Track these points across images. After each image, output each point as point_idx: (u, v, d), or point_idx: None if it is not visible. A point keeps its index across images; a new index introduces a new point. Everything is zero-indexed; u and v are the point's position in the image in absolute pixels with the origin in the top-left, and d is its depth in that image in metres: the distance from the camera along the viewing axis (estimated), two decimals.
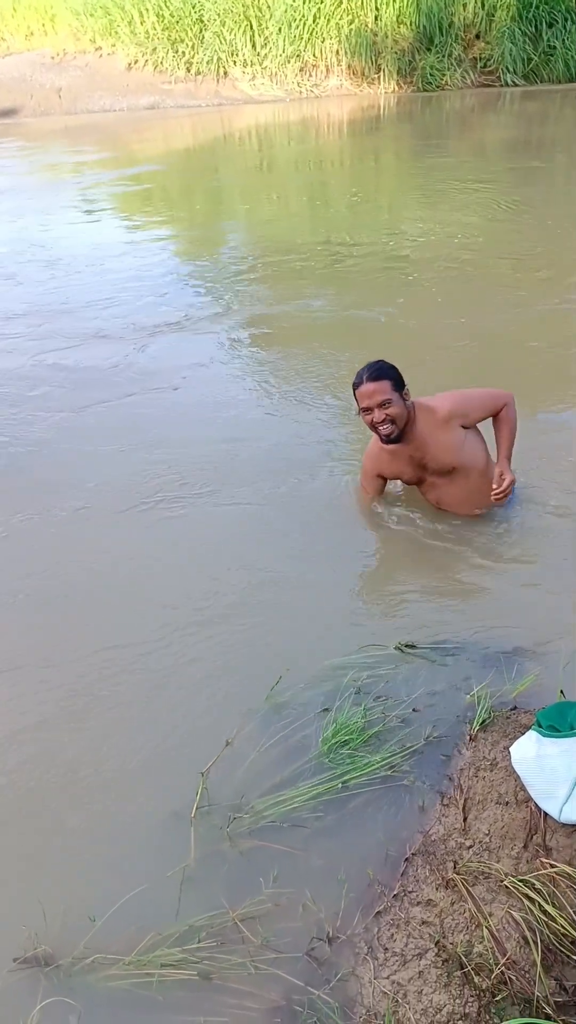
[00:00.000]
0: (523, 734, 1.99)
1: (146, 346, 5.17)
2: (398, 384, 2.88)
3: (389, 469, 3.16)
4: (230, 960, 1.71)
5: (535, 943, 1.61)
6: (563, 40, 16.57)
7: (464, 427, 2.97)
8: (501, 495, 2.88)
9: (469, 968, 1.62)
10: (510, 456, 2.98)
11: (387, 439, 2.92)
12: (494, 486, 2.89)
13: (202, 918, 1.79)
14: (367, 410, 2.87)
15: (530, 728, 1.96)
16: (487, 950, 1.63)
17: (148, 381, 4.67)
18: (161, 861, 1.93)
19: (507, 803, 1.92)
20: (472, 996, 1.58)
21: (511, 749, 1.96)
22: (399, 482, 3.27)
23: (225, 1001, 1.65)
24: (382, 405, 2.84)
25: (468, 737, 2.14)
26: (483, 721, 2.16)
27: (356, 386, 2.89)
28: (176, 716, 2.34)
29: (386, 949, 1.70)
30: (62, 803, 2.10)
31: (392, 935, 1.72)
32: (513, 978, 1.59)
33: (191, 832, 1.98)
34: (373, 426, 2.91)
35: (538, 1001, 1.55)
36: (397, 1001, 1.59)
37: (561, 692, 2.15)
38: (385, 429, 2.88)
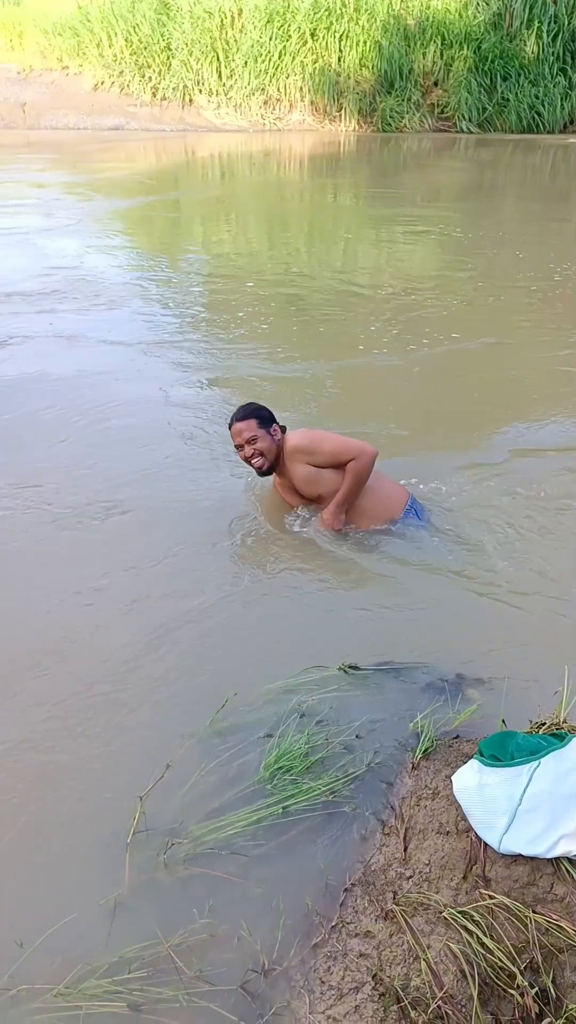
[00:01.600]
0: (465, 763, 1.99)
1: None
2: (264, 422, 3.16)
3: (283, 497, 3.40)
4: (162, 993, 1.64)
5: (472, 976, 1.59)
6: (516, 93, 17.34)
7: (312, 464, 3.15)
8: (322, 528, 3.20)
9: (406, 1002, 1.58)
10: (340, 505, 3.17)
11: (259, 471, 3.20)
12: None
13: (134, 948, 1.72)
14: (239, 447, 3.17)
15: (472, 757, 1.96)
16: (424, 983, 1.60)
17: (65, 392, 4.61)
18: (93, 888, 1.86)
19: (448, 833, 1.90)
20: None
21: (453, 778, 1.95)
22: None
23: None
24: (249, 442, 3.12)
25: (411, 765, 2.13)
26: (426, 749, 2.15)
27: (229, 426, 3.19)
28: (115, 740, 2.27)
29: (322, 982, 1.66)
30: None
31: (329, 968, 1.68)
32: (450, 1012, 1.57)
33: (126, 858, 1.91)
34: (247, 460, 3.17)
35: None
36: None
37: (503, 721, 2.16)
38: (256, 463, 3.16)
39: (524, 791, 1.77)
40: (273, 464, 3.19)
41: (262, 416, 3.16)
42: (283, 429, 3.23)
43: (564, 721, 2.09)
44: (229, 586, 2.97)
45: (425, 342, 5.50)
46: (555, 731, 2.02)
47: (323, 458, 3.15)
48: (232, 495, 3.55)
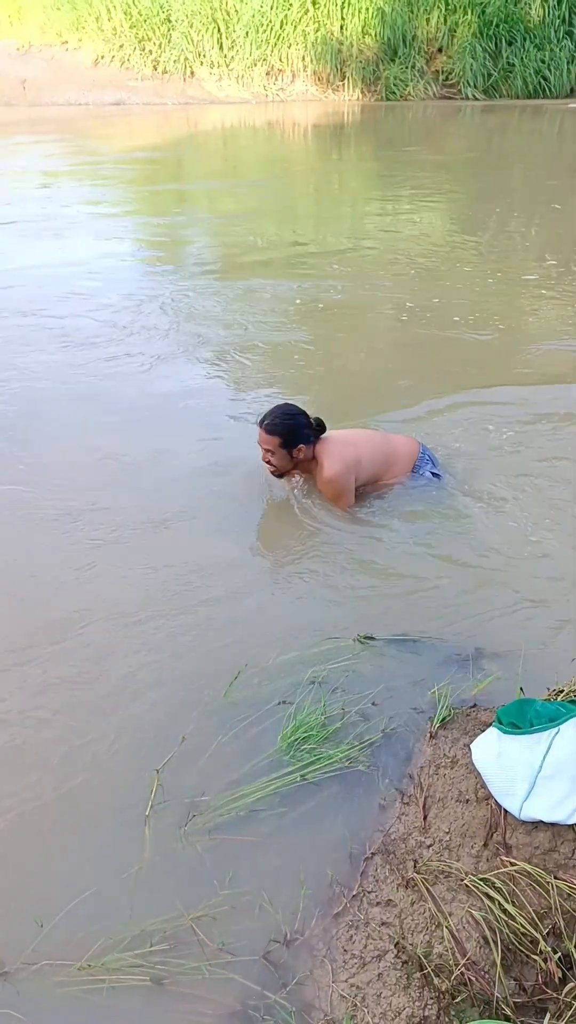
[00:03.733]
0: (483, 731, 1.97)
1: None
2: (288, 442, 3.08)
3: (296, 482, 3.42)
4: (184, 964, 1.65)
5: (495, 943, 1.59)
6: (521, 58, 16.97)
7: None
8: None
9: (429, 969, 1.58)
10: None
11: (272, 473, 3.20)
12: None
13: (156, 921, 1.73)
14: (260, 445, 3.13)
15: (491, 725, 1.94)
16: (447, 951, 1.60)
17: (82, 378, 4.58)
18: (114, 862, 1.86)
19: (467, 801, 1.89)
20: (432, 998, 1.55)
21: (472, 746, 1.94)
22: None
23: (178, 1007, 1.59)
24: (267, 451, 3.11)
25: (428, 734, 2.12)
26: (443, 718, 2.14)
27: (258, 422, 3.13)
28: (131, 714, 2.27)
29: (345, 951, 1.66)
30: (10, 805, 2.02)
31: (351, 936, 1.68)
32: (473, 979, 1.56)
33: (145, 831, 1.91)
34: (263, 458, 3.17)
35: (497, 1002, 1.52)
36: (356, 1005, 1.55)
37: (521, 689, 2.14)
38: (269, 468, 3.18)
39: (544, 757, 1.76)
40: (283, 474, 3.21)
41: (287, 437, 3.07)
42: (321, 426, 3.16)
43: None
44: (243, 559, 2.95)
45: (435, 301, 5.43)
46: (573, 698, 2.00)
47: (340, 505, 3.22)
48: (245, 469, 3.52)
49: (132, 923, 1.73)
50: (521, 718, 1.87)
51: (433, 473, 3.35)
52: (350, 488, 3.19)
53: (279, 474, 3.20)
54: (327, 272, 6.43)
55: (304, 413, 3.13)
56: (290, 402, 3.19)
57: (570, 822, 1.72)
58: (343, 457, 3.15)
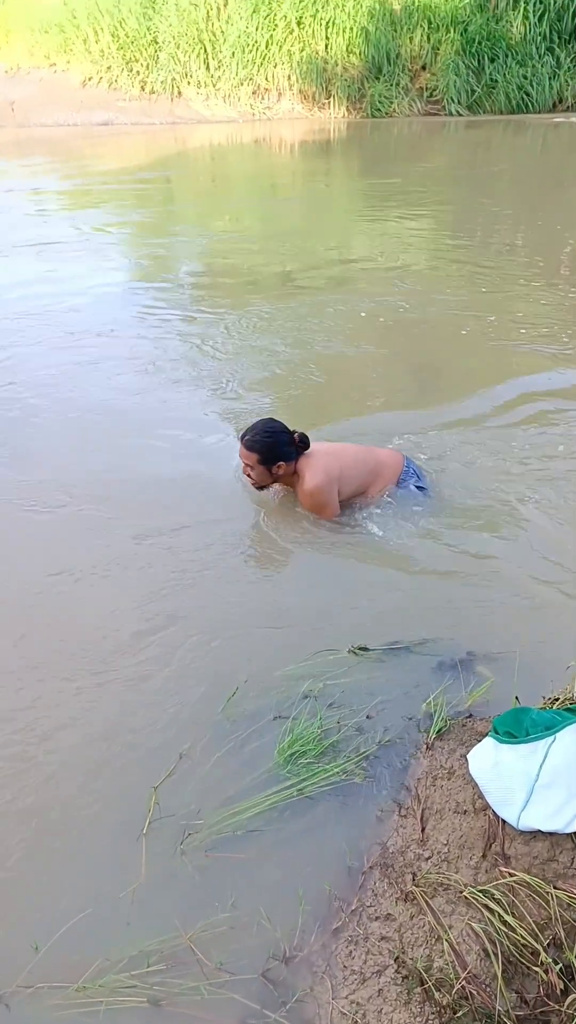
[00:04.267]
0: (479, 741, 1.97)
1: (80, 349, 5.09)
2: (267, 459, 3.09)
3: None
4: (182, 984, 1.63)
5: (495, 955, 1.57)
6: (504, 74, 17.21)
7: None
8: None
9: (429, 984, 1.57)
10: None
11: (254, 486, 3.23)
12: None
13: (153, 941, 1.71)
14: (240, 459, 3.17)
15: (487, 735, 1.94)
16: (447, 964, 1.59)
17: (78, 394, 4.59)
18: (110, 882, 1.84)
19: (465, 812, 1.88)
20: (433, 1013, 1.53)
21: (468, 756, 1.93)
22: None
23: None
24: (247, 466, 3.15)
25: (425, 745, 2.11)
26: (439, 729, 2.13)
27: (238, 438, 3.16)
28: (127, 730, 2.25)
29: (344, 967, 1.64)
30: (5, 824, 2.00)
31: (350, 952, 1.67)
32: (474, 992, 1.55)
33: (142, 849, 1.89)
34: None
35: (499, 1016, 1.50)
36: (356, 1021, 1.54)
37: (516, 698, 2.13)
38: (249, 481, 3.22)
39: (541, 766, 1.75)
40: (264, 487, 3.24)
41: (265, 454, 3.08)
42: (304, 441, 3.16)
43: None
44: (235, 573, 2.94)
45: (429, 308, 5.47)
46: (569, 706, 2.00)
47: (324, 516, 3.23)
48: (237, 484, 3.52)
49: (129, 943, 1.71)
50: (517, 727, 1.87)
51: (418, 486, 3.35)
52: (332, 500, 3.19)
53: (259, 487, 3.22)
54: (321, 287, 6.46)
55: (287, 430, 3.13)
56: (273, 417, 3.18)
57: (568, 831, 1.71)
58: (325, 469, 3.15)
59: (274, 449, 3.08)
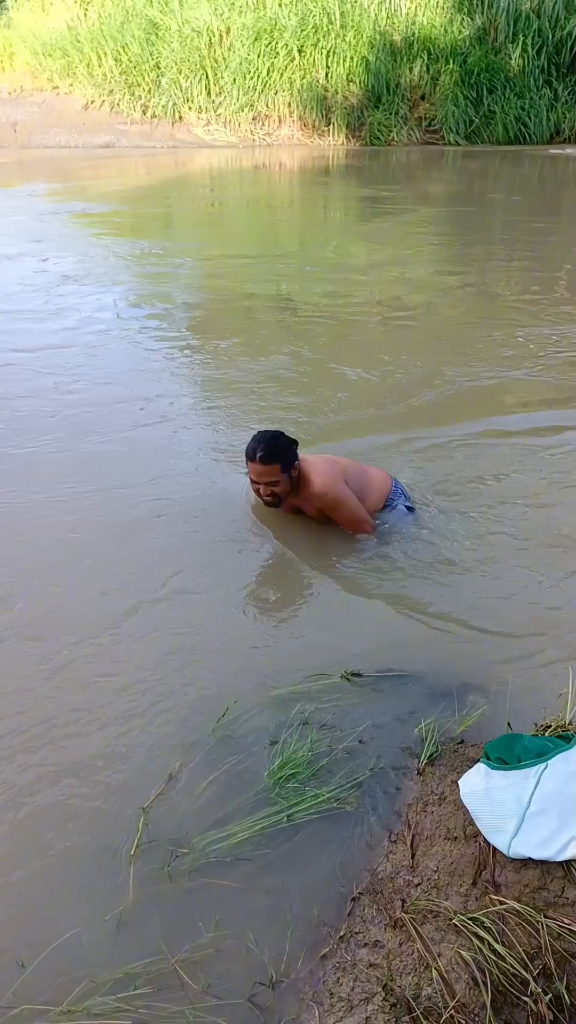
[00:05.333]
0: (471, 767, 1.96)
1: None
2: (286, 465, 3.02)
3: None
4: (168, 1008, 1.61)
5: (485, 984, 1.56)
6: (502, 106, 17.52)
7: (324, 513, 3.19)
8: None
9: (418, 1012, 1.55)
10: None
11: (267, 504, 3.12)
12: None
13: (139, 964, 1.69)
14: (254, 481, 3.06)
15: (478, 761, 1.93)
16: (436, 992, 1.57)
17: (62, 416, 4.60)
18: (97, 903, 1.82)
19: (455, 838, 1.88)
20: None
21: (459, 782, 1.93)
22: None
23: None
24: (269, 484, 3.02)
25: (416, 771, 2.10)
26: (431, 755, 2.13)
27: (248, 458, 3.01)
28: (115, 751, 2.24)
29: (332, 994, 1.63)
30: None
31: (338, 979, 1.65)
32: (463, 1022, 1.54)
33: (130, 871, 1.88)
34: (256, 491, 3.08)
35: None
36: None
37: (508, 724, 2.14)
38: (268, 500, 3.09)
39: (532, 793, 1.75)
40: (287, 496, 3.14)
41: (283, 460, 3.00)
42: (296, 443, 3.12)
43: (570, 723, 2.07)
44: (228, 596, 2.94)
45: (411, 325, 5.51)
46: (561, 733, 2.00)
47: (339, 518, 3.19)
48: (228, 501, 3.53)
49: (115, 966, 1.69)
50: (509, 754, 1.87)
51: (407, 507, 3.36)
52: (349, 494, 3.13)
53: (278, 503, 3.12)
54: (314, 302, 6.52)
55: (283, 433, 3.09)
56: (262, 428, 3.14)
57: (559, 859, 1.71)
58: (328, 468, 3.12)
59: (287, 452, 3.02)
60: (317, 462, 3.15)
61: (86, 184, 13.98)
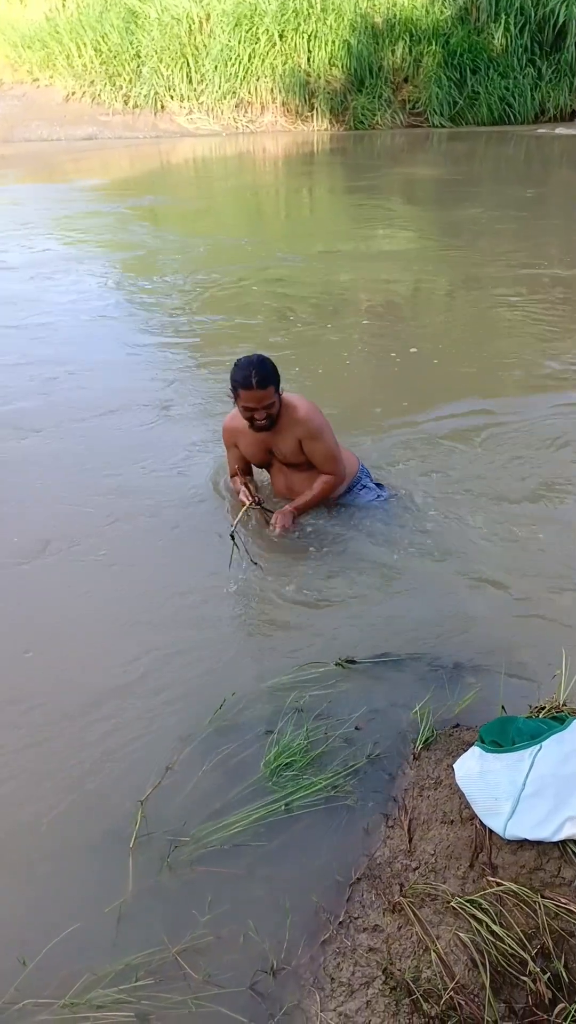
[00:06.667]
0: (466, 750, 1.97)
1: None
2: (278, 384, 2.98)
3: (244, 443, 3.25)
4: (169, 999, 1.62)
5: (483, 965, 1.57)
6: (486, 86, 17.43)
7: (303, 444, 3.12)
8: (276, 530, 3.16)
9: (418, 995, 1.57)
10: (299, 510, 3.24)
11: (260, 430, 3.05)
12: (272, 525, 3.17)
13: (140, 955, 1.70)
14: (250, 409, 2.97)
15: (473, 744, 1.94)
16: (435, 975, 1.58)
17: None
18: (97, 896, 1.83)
19: (452, 822, 1.89)
20: None
21: (455, 766, 1.94)
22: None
23: None
24: (267, 407, 2.95)
25: (411, 756, 2.11)
26: (426, 739, 2.14)
27: (243, 387, 2.91)
28: (113, 743, 2.24)
29: (332, 979, 1.64)
30: None
31: (338, 964, 1.66)
32: (462, 1003, 1.55)
33: (129, 863, 1.88)
34: (250, 420, 3.01)
35: None
36: None
37: (503, 707, 2.14)
38: (262, 424, 3.01)
39: (527, 775, 1.76)
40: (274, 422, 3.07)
41: (277, 379, 2.95)
42: None
43: (564, 704, 2.08)
44: (222, 587, 2.94)
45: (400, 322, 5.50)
46: (555, 714, 2.01)
47: (317, 448, 3.13)
48: (203, 495, 3.54)
49: (116, 958, 1.70)
50: (503, 736, 1.88)
51: (376, 484, 3.40)
52: (330, 427, 3.13)
53: (271, 425, 3.04)
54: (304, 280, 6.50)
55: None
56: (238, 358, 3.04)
57: (555, 839, 1.71)
58: (310, 402, 3.12)
59: (276, 372, 2.96)
60: (296, 396, 3.13)
61: (69, 176, 13.86)
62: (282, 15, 17.14)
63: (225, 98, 17.93)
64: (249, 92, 17.84)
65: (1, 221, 10.03)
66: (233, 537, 3.00)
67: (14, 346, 5.58)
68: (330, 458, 3.17)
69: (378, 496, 3.38)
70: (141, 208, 10.95)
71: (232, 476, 3.42)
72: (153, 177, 13.83)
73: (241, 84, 17.70)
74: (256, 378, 2.89)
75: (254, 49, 17.34)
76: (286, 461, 3.22)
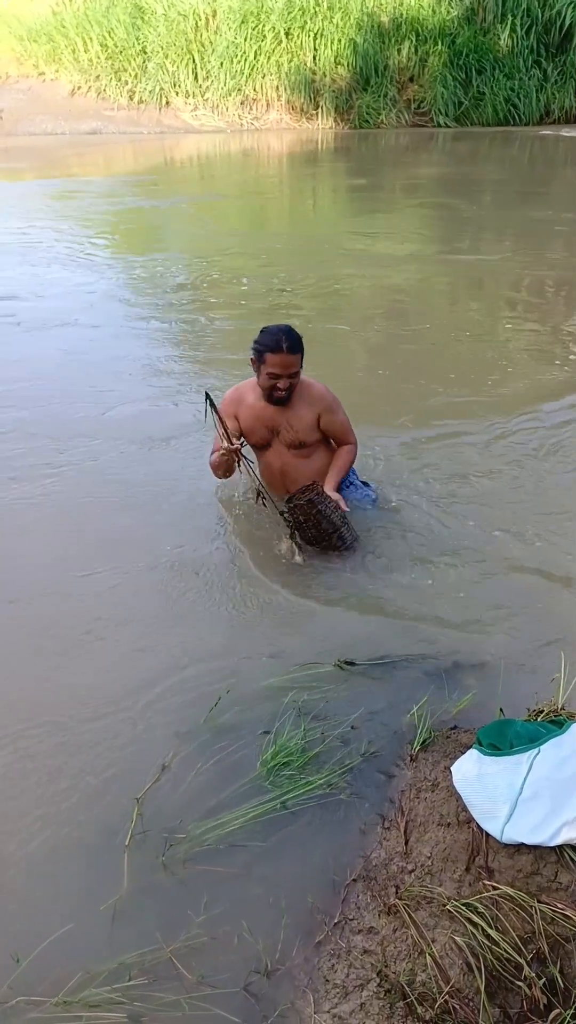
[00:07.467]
0: (464, 753, 1.96)
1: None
2: (303, 355, 2.99)
3: (245, 416, 3.17)
4: (163, 998, 1.61)
5: (479, 969, 1.56)
6: (491, 87, 17.42)
7: (319, 420, 3.14)
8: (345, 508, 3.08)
9: (412, 998, 1.56)
10: (338, 484, 3.18)
11: (278, 402, 3.04)
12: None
13: (134, 954, 1.69)
14: (275, 376, 2.94)
15: (471, 747, 1.93)
16: (430, 978, 1.58)
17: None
18: (92, 894, 1.82)
19: (449, 824, 1.88)
20: None
21: (452, 768, 1.93)
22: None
23: None
24: (292, 375, 2.95)
25: (409, 757, 2.10)
26: (423, 741, 2.13)
27: (272, 350, 2.91)
28: (109, 741, 2.23)
29: (327, 980, 1.63)
30: None
31: (333, 965, 1.65)
32: (457, 1007, 1.54)
33: (124, 861, 1.88)
34: (271, 388, 2.99)
35: None
36: None
37: (501, 710, 2.13)
38: (281, 395, 3.00)
39: (525, 779, 1.75)
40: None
41: (303, 350, 2.97)
42: None
43: (562, 708, 2.07)
44: (221, 587, 2.93)
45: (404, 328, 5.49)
46: (554, 718, 2.00)
47: (336, 421, 3.17)
48: (206, 492, 3.53)
49: (110, 956, 1.69)
50: (501, 739, 1.87)
51: (363, 482, 3.41)
52: (341, 405, 3.17)
53: (287, 399, 3.04)
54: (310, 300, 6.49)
55: None
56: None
57: (552, 844, 1.71)
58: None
59: (303, 343, 2.98)
60: (308, 377, 3.13)
61: (72, 170, 13.83)
62: (289, 13, 17.14)
63: (230, 95, 17.93)
64: (254, 89, 17.85)
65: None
66: (259, 494, 3.00)
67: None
68: (348, 429, 3.24)
69: (365, 495, 3.37)
70: (142, 208, 10.93)
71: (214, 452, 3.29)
72: (156, 172, 13.81)
73: (246, 81, 17.71)
74: (287, 343, 2.89)
75: (260, 46, 17.34)
76: (291, 441, 3.17)
